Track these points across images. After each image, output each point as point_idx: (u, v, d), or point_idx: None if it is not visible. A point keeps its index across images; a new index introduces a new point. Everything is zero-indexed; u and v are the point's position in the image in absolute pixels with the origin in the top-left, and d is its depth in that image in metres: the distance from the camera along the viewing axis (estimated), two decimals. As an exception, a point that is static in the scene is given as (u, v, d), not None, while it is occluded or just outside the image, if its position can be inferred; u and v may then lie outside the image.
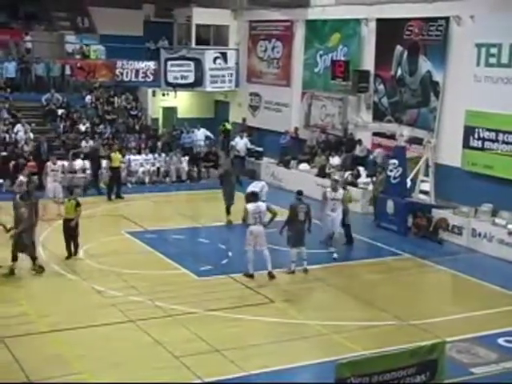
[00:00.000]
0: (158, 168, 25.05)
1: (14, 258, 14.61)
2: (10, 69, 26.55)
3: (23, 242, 14.58)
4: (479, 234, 17.95)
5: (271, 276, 14.88)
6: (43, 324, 12.21)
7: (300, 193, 15.84)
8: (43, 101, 26.48)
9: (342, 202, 17.09)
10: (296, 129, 26.49)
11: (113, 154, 22.68)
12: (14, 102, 25.90)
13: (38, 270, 14.80)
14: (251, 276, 14.89)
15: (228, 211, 19.42)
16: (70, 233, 15.90)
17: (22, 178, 18.38)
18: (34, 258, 14.81)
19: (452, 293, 15.86)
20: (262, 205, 15.16)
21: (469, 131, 20.00)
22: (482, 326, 12.80)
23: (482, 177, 19.55)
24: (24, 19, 29.07)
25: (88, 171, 23.80)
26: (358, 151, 23.78)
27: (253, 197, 15.42)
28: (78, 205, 15.97)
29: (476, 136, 19.76)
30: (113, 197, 22.13)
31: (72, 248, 15.96)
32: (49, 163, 20.67)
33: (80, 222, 15.96)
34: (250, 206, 14.94)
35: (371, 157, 23.23)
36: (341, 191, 17.16)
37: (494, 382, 10.83)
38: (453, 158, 20.40)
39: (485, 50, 19.49)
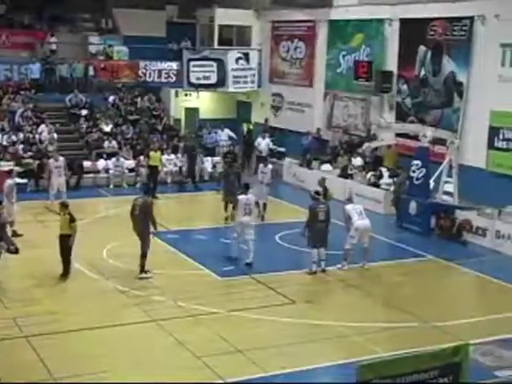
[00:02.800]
0: (181, 168, 25.13)
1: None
2: (35, 70, 26.82)
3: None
4: (503, 236, 17.76)
5: (248, 265, 15.51)
6: (67, 323, 12.30)
7: (318, 193, 15.99)
8: (67, 101, 26.72)
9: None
10: (318, 129, 26.43)
11: (152, 153, 22.92)
12: (38, 103, 26.17)
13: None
14: (235, 260, 15.73)
15: (226, 207, 19.48)
16: (65, 251, 14.48)
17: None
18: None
19: (476, 295, 15.73)
20: (251, 197, 15.89)
21: (494, 132, 19.82)
22: (506, 328, 12.67)
23: (507, 178, 19.36)
24: (48, 21, 29.35)
25: (125, 169, 24.04)
26: (380, 152, 23.68)
27: (245, 188, 16.05)
28: (72, 220, 14.47)
29: (501, 137, 19.59)
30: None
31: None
32: (51, 161, 20.81)
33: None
34: (241, 197, 15.71)
35: (360, 150, 23.67)
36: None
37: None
38: (477, 159, 20.23)
39: (510, 49, 19.32)
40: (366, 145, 23.22)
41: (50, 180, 20.79)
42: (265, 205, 20.03)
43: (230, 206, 18.96)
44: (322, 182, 18.45)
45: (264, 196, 19.99)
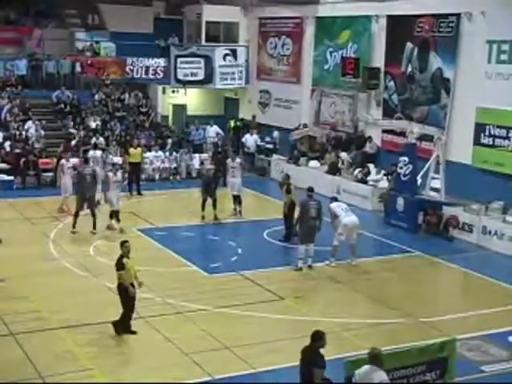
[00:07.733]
0: (170, 165, 25.04)
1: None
2: (21, 66, 26.66)
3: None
4: (489, 232, 17.88)
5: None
6: (54, 320, 12.27)
7: (311, 189, 15.94)
8: (53, 98, 26.57)
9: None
10: (305, 125, 26.43)
11: (131, 150, 22.67)
12: (24, 99, 25.99)
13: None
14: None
15: (203, 207, 19.39)
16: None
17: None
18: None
19: (462, 290, 15.83)
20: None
21: (479, 128, 19.93)
22: (492, 323, 12.77)
23: (493, 174, 19.49)
24: (35, 16, 29.16)
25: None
26: (367, 148, 23.76)
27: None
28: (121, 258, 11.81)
29: (487, 133, 19.71)
30: (134, 193, 22.23)
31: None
32: (63, 161, 20.41)
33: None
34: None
35: (288, 139, 25.72)
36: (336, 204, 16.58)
37: (505, 379, 10.81)
38: (463, 155, 20.33)
39: (496, 46, 19.44)
40: (293, 133, 25.36)
41: (61, 181, 20.14)
42: (239, 199, 19.91)
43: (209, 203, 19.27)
44: (285, 178, 18.23)
45: (236, 189, 19.95)
